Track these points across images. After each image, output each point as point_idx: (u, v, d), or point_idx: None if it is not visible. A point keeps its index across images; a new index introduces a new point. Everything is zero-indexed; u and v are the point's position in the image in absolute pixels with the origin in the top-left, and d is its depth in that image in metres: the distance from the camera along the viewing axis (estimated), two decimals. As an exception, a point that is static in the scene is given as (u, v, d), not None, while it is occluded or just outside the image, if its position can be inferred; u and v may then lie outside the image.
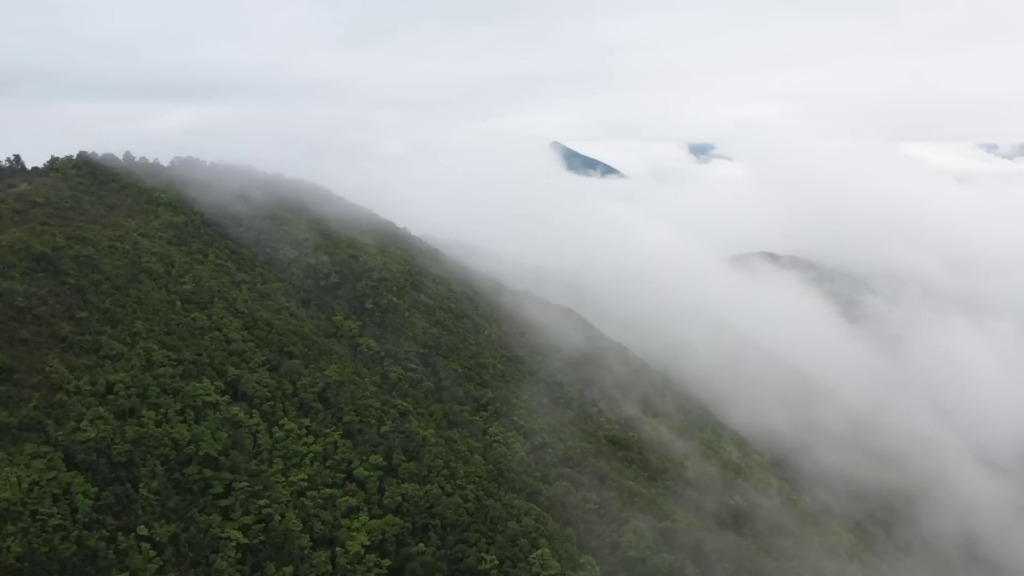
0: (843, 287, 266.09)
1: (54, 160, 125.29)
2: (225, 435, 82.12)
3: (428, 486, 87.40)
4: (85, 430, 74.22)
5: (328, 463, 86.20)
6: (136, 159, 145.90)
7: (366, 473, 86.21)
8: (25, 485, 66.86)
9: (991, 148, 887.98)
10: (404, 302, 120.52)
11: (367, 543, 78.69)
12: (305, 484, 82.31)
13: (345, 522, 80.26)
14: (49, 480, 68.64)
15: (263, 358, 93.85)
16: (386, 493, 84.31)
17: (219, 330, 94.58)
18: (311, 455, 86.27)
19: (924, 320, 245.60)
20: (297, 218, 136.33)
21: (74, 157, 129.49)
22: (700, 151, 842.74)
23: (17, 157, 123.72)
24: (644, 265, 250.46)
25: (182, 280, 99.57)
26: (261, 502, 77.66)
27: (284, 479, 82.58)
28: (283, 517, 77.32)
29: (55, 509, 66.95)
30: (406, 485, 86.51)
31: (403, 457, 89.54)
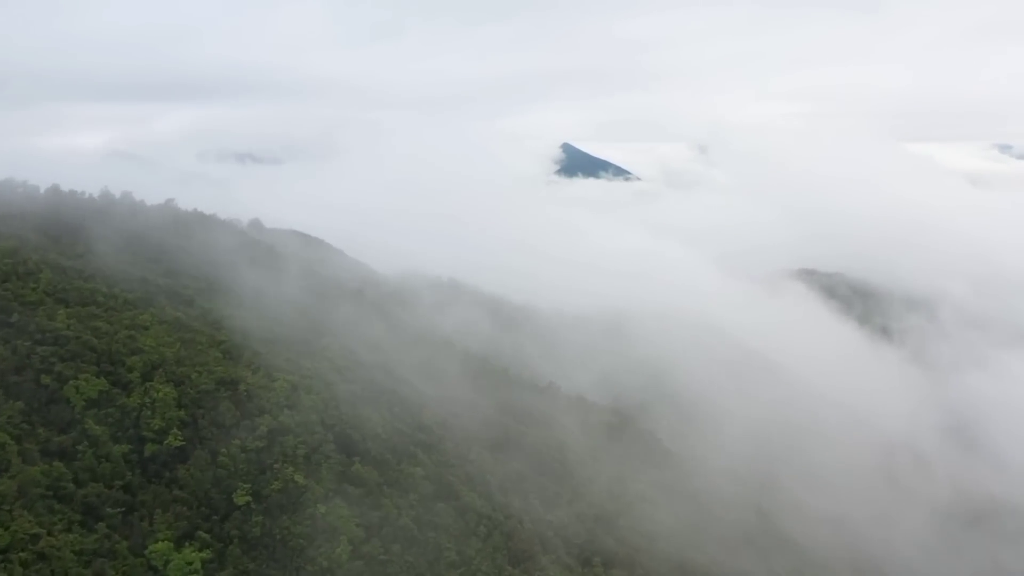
0: (870, 309, 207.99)
1: None
2: None
3: None
4: None
5: None
6: None
7: None
8: None
9: (1005, 148, 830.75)
10: (322, 478, 60.77)
11: None
12: None
13: None
14: None
15: None
16: None
17: None
18: None
19: (977, 356, 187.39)
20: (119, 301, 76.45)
21: None
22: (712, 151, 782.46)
23: None
24: (677, 299, 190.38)
25: None
26: None
27: None
28: None
29: None
30: None
31: None
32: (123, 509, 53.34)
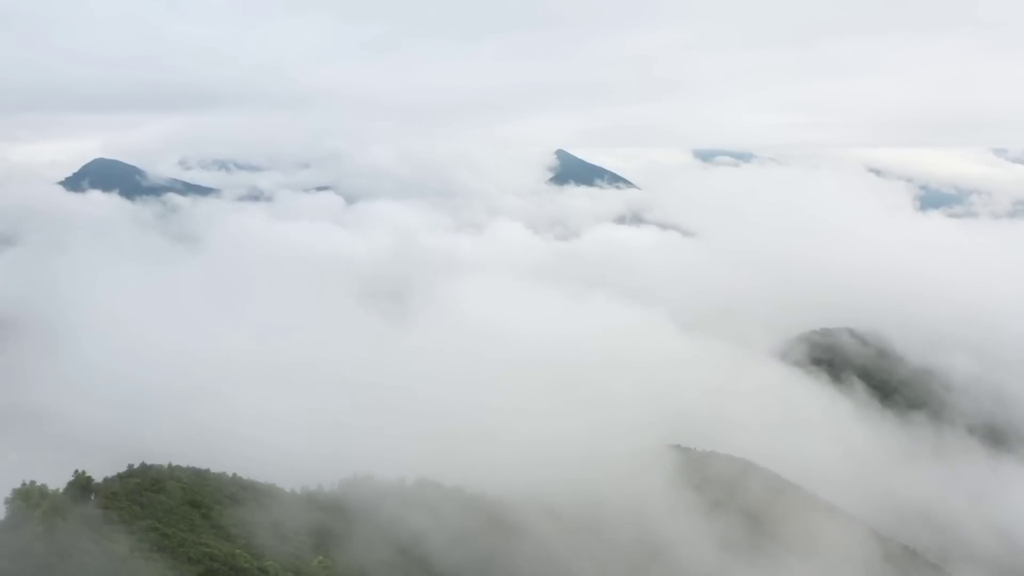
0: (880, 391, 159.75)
1: None
2: None
3: None
4: None
5: None
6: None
7: None
8: None
9: (1000, 152, 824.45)
10: None
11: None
12: None
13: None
14: None
15: None
16: None
17: None
18: None
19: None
20: None
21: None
22: (706, 157, 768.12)
23: None
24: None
25: None
26: None
27: None
28: None
29: None
30: None
31: None
32: None
